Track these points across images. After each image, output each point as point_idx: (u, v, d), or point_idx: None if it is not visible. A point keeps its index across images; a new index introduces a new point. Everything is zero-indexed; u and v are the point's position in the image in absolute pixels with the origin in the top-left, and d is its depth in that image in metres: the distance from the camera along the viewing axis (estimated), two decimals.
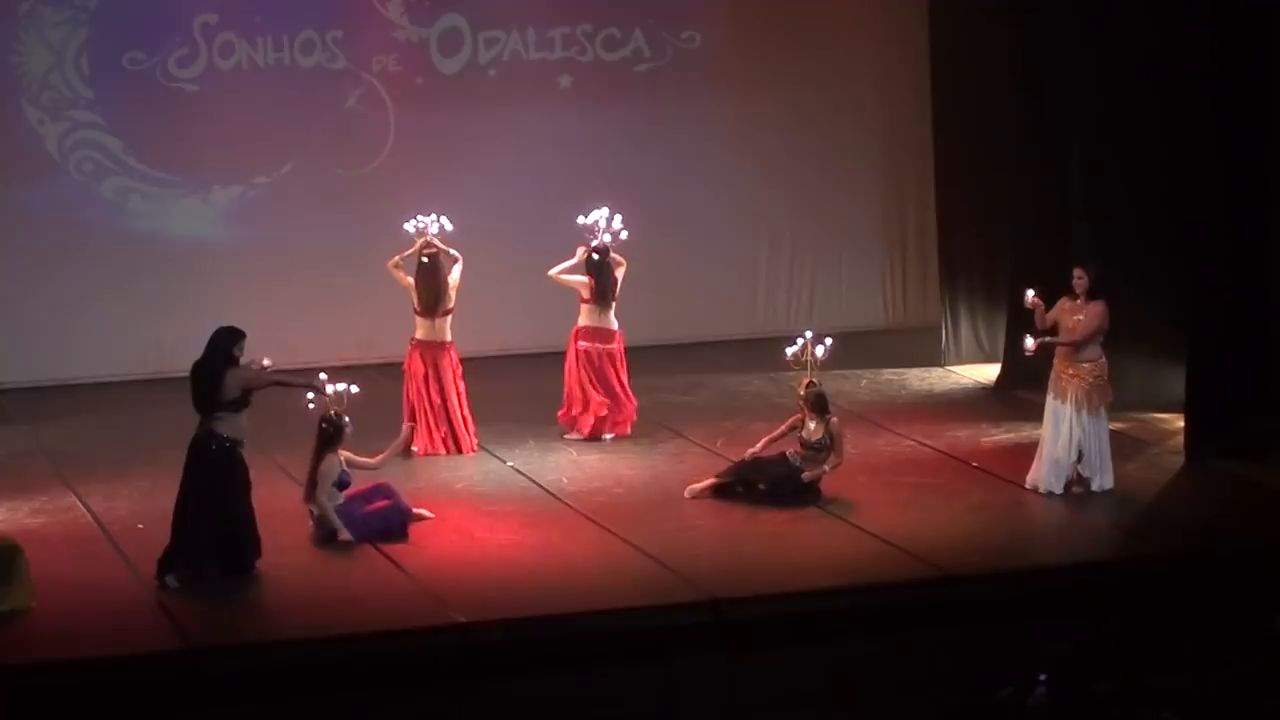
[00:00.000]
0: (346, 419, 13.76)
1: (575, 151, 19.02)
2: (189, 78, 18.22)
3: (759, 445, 14.48)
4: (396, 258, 15.74)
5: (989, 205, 18.06)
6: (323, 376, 13.54)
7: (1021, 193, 17.43)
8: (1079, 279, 14.32)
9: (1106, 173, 16.39)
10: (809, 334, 14.61)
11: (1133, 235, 16.32)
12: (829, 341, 14.49)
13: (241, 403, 13.02)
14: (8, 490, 14.80)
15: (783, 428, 14.48)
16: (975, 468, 15.14)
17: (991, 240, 18.19)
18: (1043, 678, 9.92)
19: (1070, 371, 14.34)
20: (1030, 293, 14.40)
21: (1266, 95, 15.14)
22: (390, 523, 13.68)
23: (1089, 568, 13.10)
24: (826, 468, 14.28)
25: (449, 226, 15.74)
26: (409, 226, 15.73)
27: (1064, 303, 14.35)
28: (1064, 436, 14.30)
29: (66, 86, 18.01)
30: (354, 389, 13.69)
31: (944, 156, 18.78)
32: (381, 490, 13.84)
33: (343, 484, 13.74)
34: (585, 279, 15.97)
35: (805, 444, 14.33)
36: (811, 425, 14.34)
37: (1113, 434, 15.93)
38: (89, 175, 18.18)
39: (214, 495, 12.96)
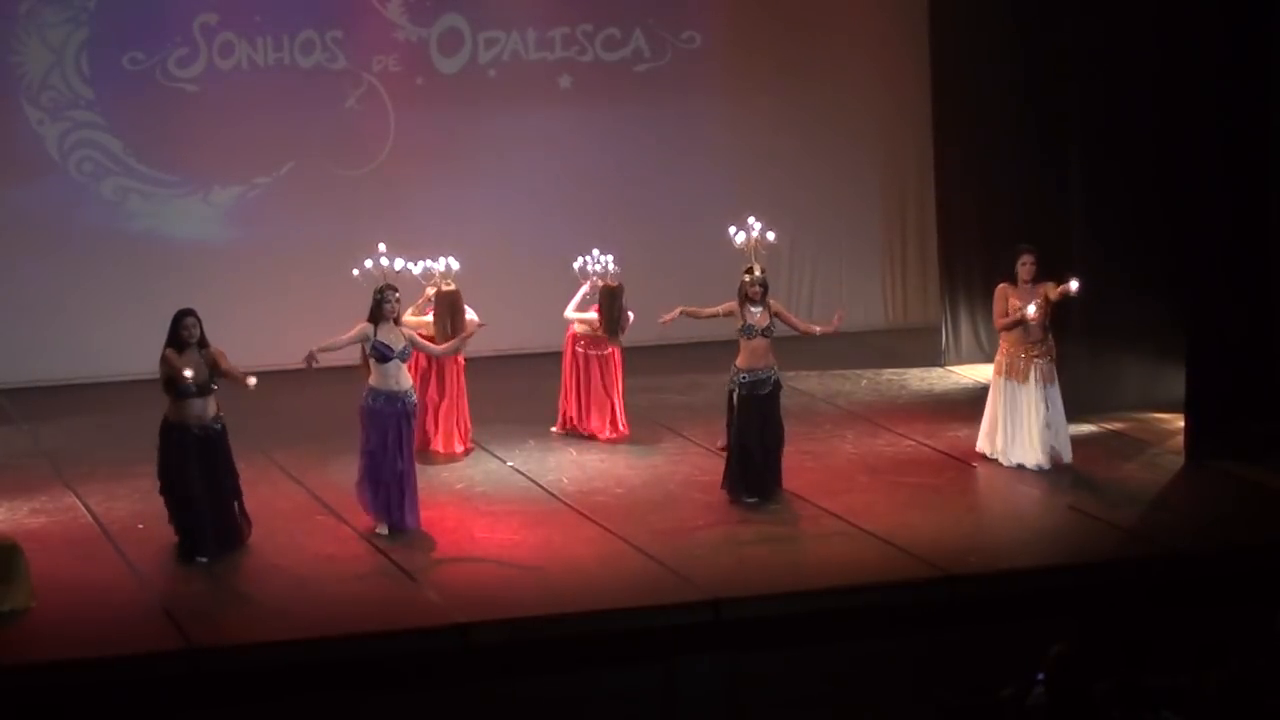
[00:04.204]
0: (394, 294, 13.77)
1: (575, 151, 19.03)
2: (189, 78, 18.22)
3: (684, 311, 14.51)
4: (410, 310, 15.21)
5: (989, 205, 18.06)
6: (252, 381, 13.35)
7: (1021, 193, 17.44)
8: (1031, 264, 14.86)
9: (1106, 173, 16.41)
10: (753, 221, 14.65)
11: (1133, 235, 16.34)
12: (772, 235, 14.80)
13: (174, 388, 13.17)
14: (8, 490, 14.79)
15: (719, 309, 14.46)
16: (975, 468, 15.15)
17: (992, 240, 18.18)
18: (1040, 677, 9.92)
19: (1035, 353, 14.88)
20: (1031, 308, 14.77)
21: (1266, 95, 15.15)
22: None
23: (1089, 568, 13.10)
24: (833, 323, 14.56)
25: (456, 266, 15.52)
26: (416, 270, 15.38)
27: (1024, 289, 14.84)
28: (1036, 414, 14.82)
29: (66, 86, 18.01)
30: (251, 381, 13.31)
31: (944, 157, 18.78)
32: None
33: (381, 355, 13.71)
34: (594, 316, 15.96)
35: (753, 333, 14.29)
36: (757, 313, 14.33)
37: (1113, 434, 16.02)
38: (89, 175, 18.18)
39: (170, 477, 13.28)
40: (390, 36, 18.65)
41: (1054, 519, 14.09)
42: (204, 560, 13.16)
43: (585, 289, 16.10)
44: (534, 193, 18.89)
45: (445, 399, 15.68)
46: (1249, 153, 15.16)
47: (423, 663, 11.91)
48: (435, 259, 15.48)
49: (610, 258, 16.05)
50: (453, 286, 15.40)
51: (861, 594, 12.63)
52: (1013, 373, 14.96)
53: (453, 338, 15.16)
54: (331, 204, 18.53)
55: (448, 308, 15.34)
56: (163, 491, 13.46)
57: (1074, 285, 14.68)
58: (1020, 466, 14.98)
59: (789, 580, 12.76)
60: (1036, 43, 17.16)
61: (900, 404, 17.22)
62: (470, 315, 15.52)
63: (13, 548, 12.48)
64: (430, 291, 15.49)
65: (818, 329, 14.69)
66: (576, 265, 16.16)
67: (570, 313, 16.11)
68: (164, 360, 13.23)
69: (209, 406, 13.30)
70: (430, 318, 15.37)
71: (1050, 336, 15.00)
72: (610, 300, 15.91)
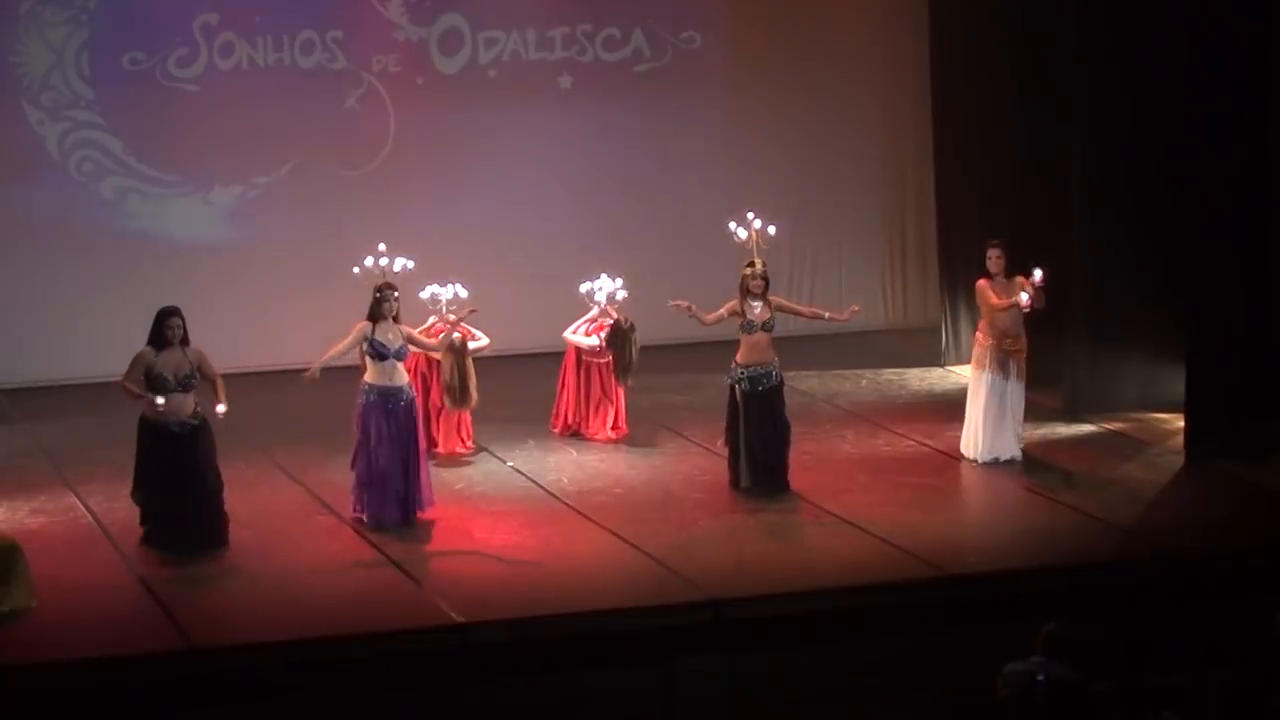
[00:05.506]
0: (393, 293, 13.81)
1: (575, 151, 19.03)
2: (189, 78, 18.22)
3: (694, 310, 14.50)
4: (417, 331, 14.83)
5: (989, 205, 18.05)
6: (221, 409, 13.43)
7: (1021, 193, 17.44)
8: (998, 257, 14.97)
9: (1107, 173, 16.40)
10: (753, 216, 14.68)
11: (1134, 235, 16.33)
12: (772, 229, 14.79)
13: (149, 384, 13.23)
14: (8, 490, 14.79)
15: (722, 310, 14.51)
16: (975, 467, 15.14)
17: (991, 240, 18.18)
18: (1040, 678, 9.93)
19: (1014, 347, 14.98)
20: (1024, 295, 14.74)
21: (1268, 93, 15.14)
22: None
23: (1089, 568, 13.09)
24: (845, 314, 14.83)
25: (463, 293, 15.46)
26: (423, 295, 15.40)
27: (1000, 283, 14.90)
28: (1011, 407, 15.00)
29: (66, 86, 18.01)
30: (220, 409, 13.46)
31: (944, 157, 18.78)
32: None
33: (378, 353, 13.74)
34: (595, 342, 15.92)
35: (753, 328, 14.36)
36: (758, 308, 14.38)
37: (1113, 434, 16.03)
38: (89, 175, 18.18)
39: (145, 474, 13.45)
40: (390, 36, 18.65)
41: (1054, 519, 14.07)
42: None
43: (594, 313, 16.04)
44: (534, 192, 18.89)
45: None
46: (1249, 152, 15.15)
47: (423, 663, 11.90)
48: (443, 285, 15.46)
49: (619, 282, 16.02)
50: (459, 339, 15.26)
51: (861, 594, 12.62)
52: (995, 366, 14.96)
53: (461, 392, 15.25)
54: (331, 204, 18.53)
55: (456, 362, 15.29)
56: (135, 488, 13.53)
57: (1038, 275, 14.72)
58: (996, 461, 15.06)
59: (789, 580, 12.75)
60: (1036, 42, 17.16)
61: (900, 404, 17.22)
62: (481, 340, 15.53)
63: (13, 548, 12.48)
64: (434, 319, 15.41)
65: (826, 314, 14.90)
66: (584, 289, 16.11)
67: (569, 335, 16.06)
68: (135, 361, 13.30)
69: (187, 403, 13.32)
70: (434, 341, 15.32)
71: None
72: (623, 343, 15.83)
